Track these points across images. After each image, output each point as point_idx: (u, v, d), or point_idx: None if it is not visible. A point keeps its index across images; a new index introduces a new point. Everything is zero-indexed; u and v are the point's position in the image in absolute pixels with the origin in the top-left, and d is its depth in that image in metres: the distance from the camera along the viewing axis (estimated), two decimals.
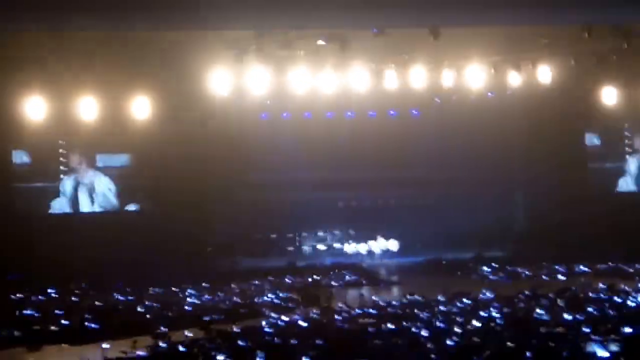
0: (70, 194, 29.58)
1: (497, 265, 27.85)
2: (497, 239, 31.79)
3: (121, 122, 28.73)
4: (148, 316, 20.50)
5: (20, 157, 29.20)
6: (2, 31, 22.28)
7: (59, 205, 29.57)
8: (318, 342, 15.10)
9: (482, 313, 17.98)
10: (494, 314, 17.94)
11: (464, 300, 20.13)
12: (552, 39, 26.63)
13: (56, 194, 29.49)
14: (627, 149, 33.06)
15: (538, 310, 18.14)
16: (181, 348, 15.80)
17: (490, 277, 26.57)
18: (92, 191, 29.74)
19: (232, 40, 25.50)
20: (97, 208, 29.76)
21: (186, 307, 21.86)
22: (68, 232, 28.57)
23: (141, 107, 28.53)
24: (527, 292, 20.99)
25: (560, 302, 19.43)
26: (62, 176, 29.57)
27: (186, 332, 17.82)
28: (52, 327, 19.30)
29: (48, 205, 29.40)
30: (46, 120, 27.68)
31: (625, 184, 33.05)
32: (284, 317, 19.31)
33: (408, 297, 21.62)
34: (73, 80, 27.22)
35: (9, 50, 25.33)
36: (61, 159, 29.55)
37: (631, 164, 33.01)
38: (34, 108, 27.38)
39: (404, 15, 20.03)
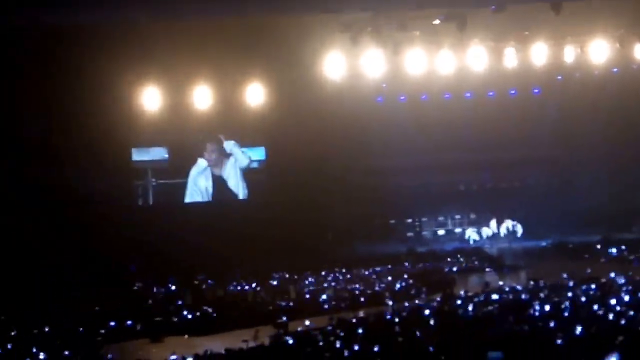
0: (203, 184, 30.03)
1: (625, 248, 27.06)
2: (626, 221, 30.98)
3: (237, 110, 28.96)
4: (269, 306, 20.62)
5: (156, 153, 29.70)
6: (114, 23, 22.66)
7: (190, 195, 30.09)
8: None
9: (612, 300, 17.47)
10: (626, 298, 17.42)
11: (592, 285, 19.59)
12: None
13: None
14: None
15: None
16: (302, 337, 15.83)
17: (619, 260, 25.81)
18: (226, 180, 30.14)
19: (347, 23, 25.40)
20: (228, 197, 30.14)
21: (307, 296, 21.93)
22: (192, 222, 28.94)
23: (255, 94, 28.72)
24: None
25: None
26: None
27: (307, 322, 17.85)
28: (174, 319, 19.59)
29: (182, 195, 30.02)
30: (168, 111, 28.17)
31: None
32: (406, 304, 19.21)
33: (533, 282, 21.22)
34: (187, 69, 27.54)
35: (123, 44, 25.75)
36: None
37: None
38: (150, 99, 27.82)
39: None
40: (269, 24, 25.62)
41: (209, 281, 24.63)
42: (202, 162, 29.88)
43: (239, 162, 29.99)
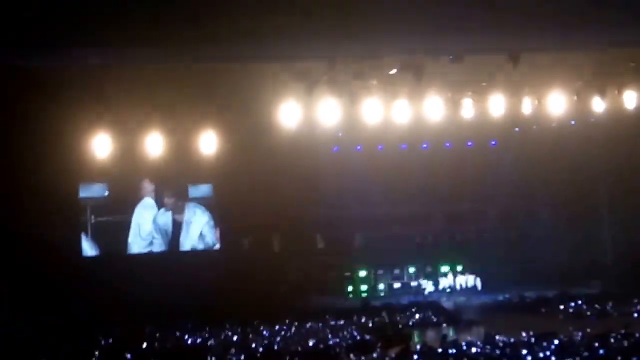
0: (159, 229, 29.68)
1: (582, 303, 27.01)
2: (583, 275, 31.02)
3: (188, 158, 28.69)
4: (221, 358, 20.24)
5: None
6: (63, 65, 22.31)
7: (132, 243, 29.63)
8: None
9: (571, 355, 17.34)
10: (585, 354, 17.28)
11: (554, 341, 19.41)
12: None
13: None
14: None
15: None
16: None
17: (577, 315, 25.73)
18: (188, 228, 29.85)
19: (303, 72, 25.27)
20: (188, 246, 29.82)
21: (260, 349, 21.56)
22: (140, 271, 28.52)
23: (208, 143, 28.46)
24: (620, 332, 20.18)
25: None
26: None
27: None
28: None
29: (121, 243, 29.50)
30: (118, 156, 27.85)
31: None
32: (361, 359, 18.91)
33: (491, 337, 21.01)
34: (138, 115, 27.24)
35: (71, 87, 25.41)
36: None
37: None
38: (100, 145, 27.48)
39: (482, 41, 19.66)
40: (223, 72, 25.41)
41: (157, 333, 24.19)
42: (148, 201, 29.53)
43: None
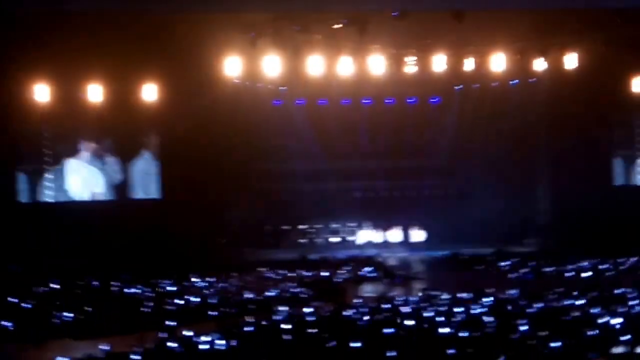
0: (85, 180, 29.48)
1: (518, 261, 27.48)
2: (520, 234, 31.51)
3: (130, 108, 28.49)
4: (155, 309, 20.31)
5: None
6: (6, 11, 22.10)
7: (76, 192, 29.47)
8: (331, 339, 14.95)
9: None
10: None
11: (489, 298, 19.81)
12: (582, 24, 26.24)
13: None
14: None
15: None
16: (188, 343, 15.62)
17: (512, 273, 26.20)
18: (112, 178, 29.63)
19: (248, 24, 25.26)
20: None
21: (195, 300, 21.65)
22: (77, 220, 28.36)
23: (150, 93, 28.32)
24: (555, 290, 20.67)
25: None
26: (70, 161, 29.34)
27: (194, 327, 17.61)
28: (55, 321, 19.14)
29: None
30: (55, 104, 27.58)
31: None
32: (296, 312, 19.11)
33: (424, 293, 21.39)
34: (79, 64, 27.02)
35: (12, 33, 25.16)
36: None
37: None
38: (39, 94, 27.25)
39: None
40: (166, 22, 25.34)
41: (93, 282, 24.17)
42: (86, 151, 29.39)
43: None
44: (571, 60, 28.20)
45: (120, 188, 29.55)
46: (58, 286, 23.42)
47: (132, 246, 27.12)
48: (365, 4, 21.67)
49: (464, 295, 20.37)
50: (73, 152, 29.26)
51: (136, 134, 29.47)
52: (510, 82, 30.83)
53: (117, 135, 29.24)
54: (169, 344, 15.69)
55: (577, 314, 17.17)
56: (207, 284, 24.25)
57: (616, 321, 15.95)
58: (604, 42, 27.34)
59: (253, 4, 20.08)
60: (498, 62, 28.43)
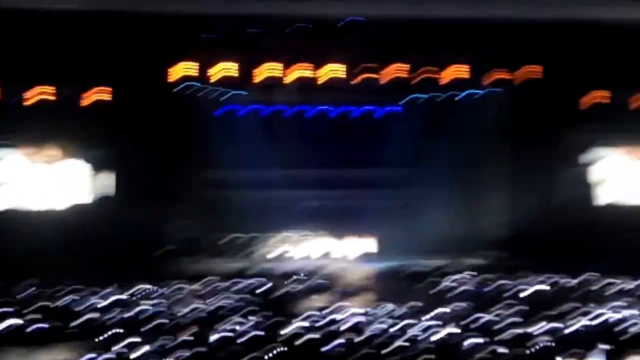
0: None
1: (471, 273, 27.62)
2: (471, 246, 31.63)
3: (79, 110, 28.35)
4: (100, 320, 20.21)
5: None
6: None
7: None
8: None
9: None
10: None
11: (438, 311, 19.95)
12: (540, 36, 26.58)
13: None
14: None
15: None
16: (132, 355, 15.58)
17: (460, 286, 26.29)
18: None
19: (202, 27, 25.29)
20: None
21: (139, 308, 21.49)
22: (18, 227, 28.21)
23: (99, 96, 28.21)
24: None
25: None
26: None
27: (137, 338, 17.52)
28: None
29: None
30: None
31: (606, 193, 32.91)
32: (243, 322, 19.09)
33: (371, 304, 21.49)
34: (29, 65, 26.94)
35: None
36: None
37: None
38: None
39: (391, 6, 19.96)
40: (119, 24, 25.30)
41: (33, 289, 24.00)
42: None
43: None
44: (531, 71, 28.50)
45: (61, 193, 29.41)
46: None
47: (77, 254, 26.91)
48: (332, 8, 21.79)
49: (411, 307, 20.50)
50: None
51: (78, 139, 29.35)
52: (466, 94, 30.96)
53: (58, 139, 29.14)
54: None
55: (518, 330, 17.39)
56: (152, 294, 24.10)
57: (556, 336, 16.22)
58: (561, 57, 27.71)
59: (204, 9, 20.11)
60: (454, 73, 28.64)
